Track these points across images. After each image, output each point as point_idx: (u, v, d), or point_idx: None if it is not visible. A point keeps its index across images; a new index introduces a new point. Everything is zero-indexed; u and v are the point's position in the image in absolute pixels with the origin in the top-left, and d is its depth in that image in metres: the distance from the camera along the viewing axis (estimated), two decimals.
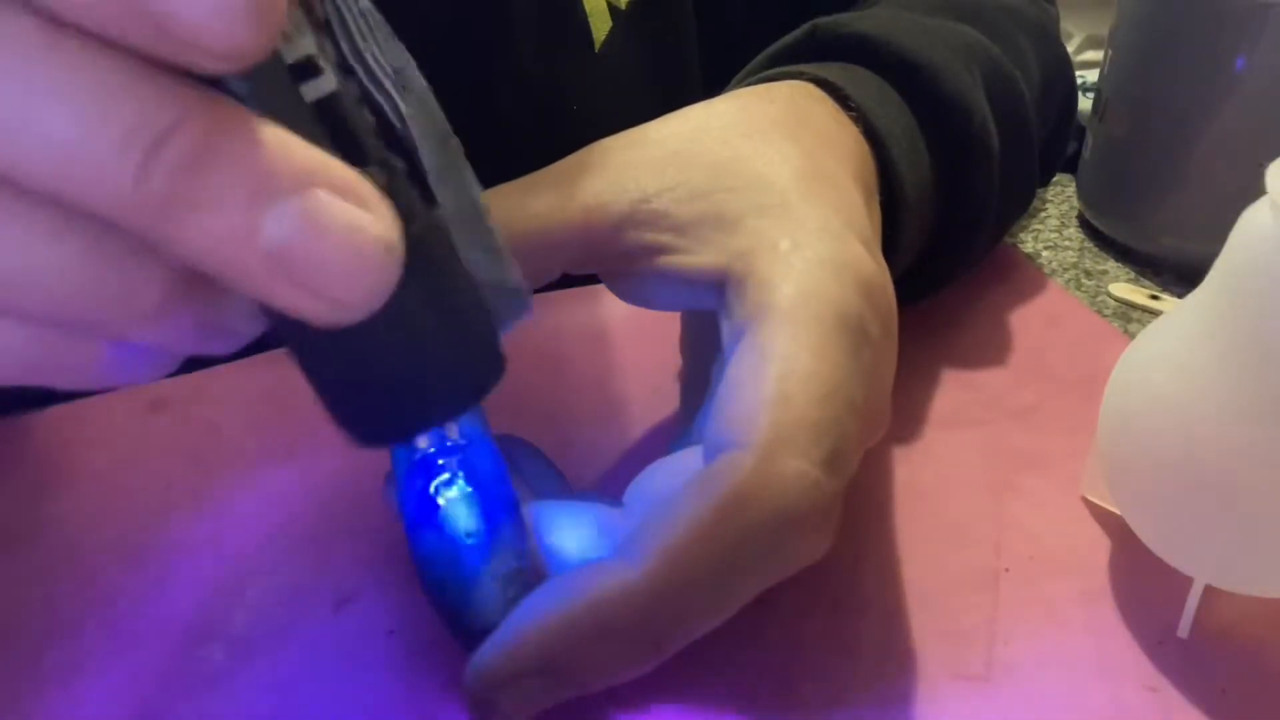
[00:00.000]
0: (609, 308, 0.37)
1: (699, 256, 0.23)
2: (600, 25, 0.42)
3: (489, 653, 0.19)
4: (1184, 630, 0.24)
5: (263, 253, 0.13)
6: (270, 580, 0.26)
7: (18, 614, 0.26)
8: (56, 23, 0.12)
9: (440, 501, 0.21)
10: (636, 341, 0.36)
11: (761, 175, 0.24)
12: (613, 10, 0.42)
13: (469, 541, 0.20)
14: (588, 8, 0.41)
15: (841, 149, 0.27)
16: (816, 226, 0.22)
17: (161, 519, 0.28)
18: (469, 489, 0.21)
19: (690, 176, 0.24)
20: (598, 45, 0.42)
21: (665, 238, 0.24)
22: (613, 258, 0.25)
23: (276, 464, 0.31)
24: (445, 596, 0.20)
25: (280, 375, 0.35)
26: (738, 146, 0.24)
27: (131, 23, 0.12)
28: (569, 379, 0.34)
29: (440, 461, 0.21)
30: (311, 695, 0.23)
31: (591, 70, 0.42)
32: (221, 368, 0.35)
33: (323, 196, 0.13)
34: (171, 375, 0.35)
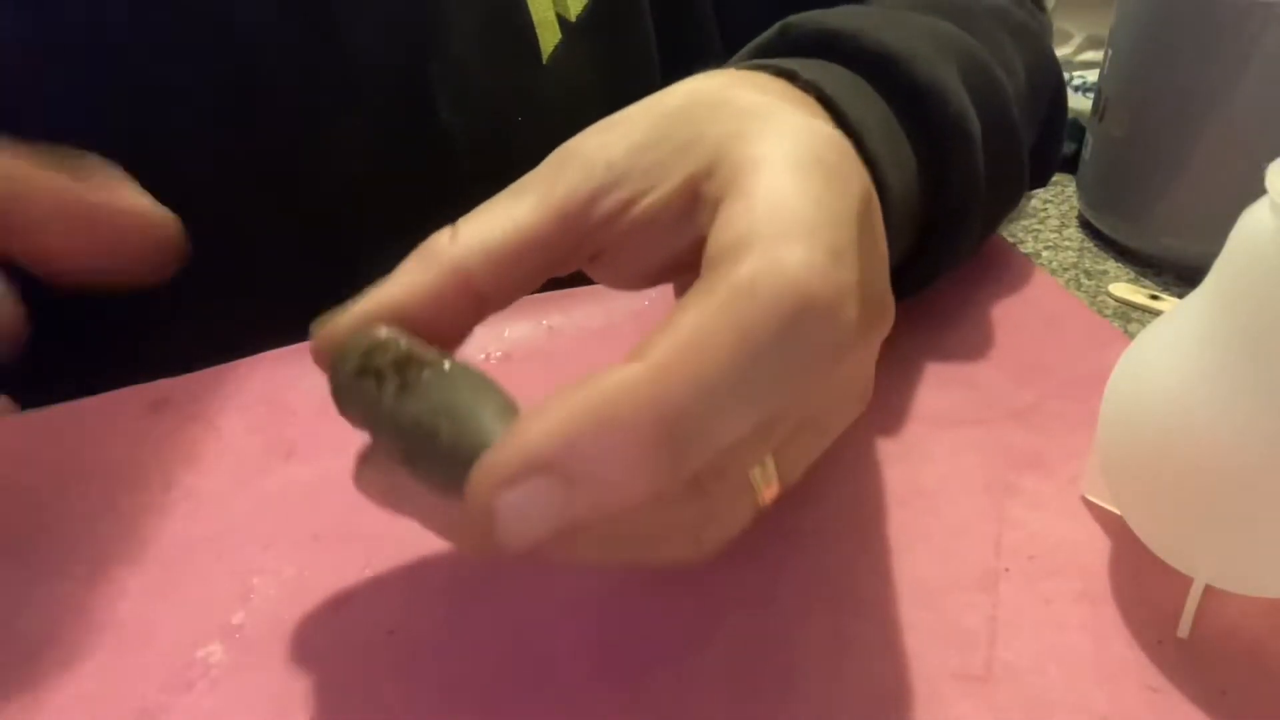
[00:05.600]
0: (609, 308, 0.37)
1: (665, 185, 0.23)
2: (549, 37, 0.42)
3: (492, 453, 0.17)
4: (1184, 630, 0.24)
5: None
6: (270, 580, 0.26)
7: (18, 614, 0.26)
8: None
9: (423, 376, 0.20)
10: (636, 342, 0.35)
11: (721, 103, 0.23)
12: (562, 22, 0.42)
13: (463, 387, 0.20)
14: (535, 19, 0.41)
15: None
16: (779, 119, 0.22)
17: (161, 519, 0.29)
18: (448, 364, 0.20)
19: (647, 131, 0.23)
20: (545, 57, 0.42)
21: (632, 188, 0.23)
22: (591, 238, 0.24)
23: (276, 464, 0.31)
24: (442, 439, 0.19)
25: (280, 375, 0.35)
26: (698, 98, 0.24)
27: None
28: (569, 379, 0.34)
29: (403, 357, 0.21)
30: (311, 695, 0.23)
31: (539, 82, 0.41)
32: (221, 368, 0.35)
33: None
34: (172, 375, 0.35)
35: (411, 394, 0.20)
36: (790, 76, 0.28)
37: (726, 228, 0.20)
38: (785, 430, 0.21)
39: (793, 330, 0.18)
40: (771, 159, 0.21)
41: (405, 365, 0.21)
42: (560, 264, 0.25)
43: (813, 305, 0.18)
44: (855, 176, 0.22)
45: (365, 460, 0.22)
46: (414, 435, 0.20)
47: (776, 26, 0.33)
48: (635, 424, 0.17)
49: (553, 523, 0.17)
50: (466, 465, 0.18)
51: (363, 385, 0.21)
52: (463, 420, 0.19)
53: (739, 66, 0.30)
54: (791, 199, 0.19)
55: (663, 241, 0.24)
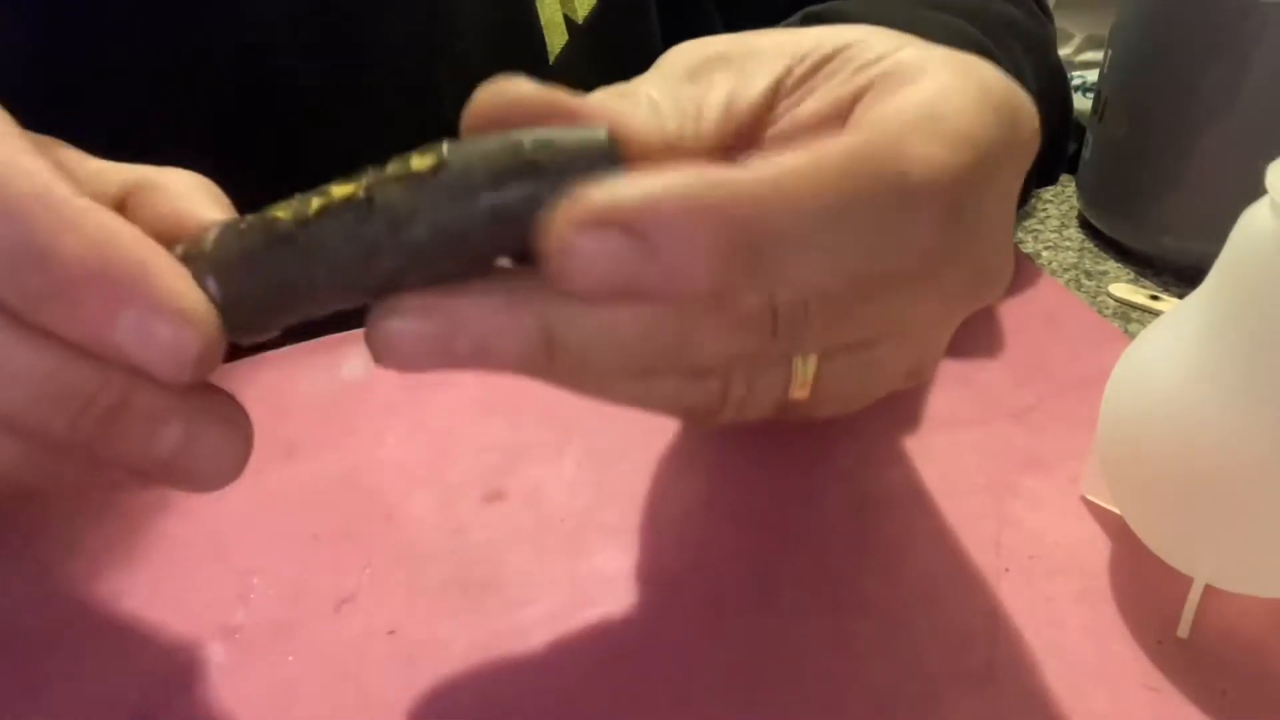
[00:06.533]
0: None
1: (831, 90, 0.22)
2: (556, 38, 0.42)
3: (590, 193, 0.17)
4: (1184, 630, 0.24)
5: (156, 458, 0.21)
6: (270, 580, 0.26)
7: (17, 614, 0.26)
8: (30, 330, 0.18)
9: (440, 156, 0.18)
10: None
11: (857, 39, 0.23)
12: (569, 24, 0.42)
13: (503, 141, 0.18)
14: (543, 20, 0.41)
15: None
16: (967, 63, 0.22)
17: (161, 519, 0.28)
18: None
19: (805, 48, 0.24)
20: (552, 58, 0.42)
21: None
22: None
23: (276, 463, 0.31)
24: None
25: (280, 375, 0.35)
26: (835, 42, 0.24)
27: (103, 350, 0.19)
28: None
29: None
30: (311, 695, 0.23)
31: (544, 82, 0.42)
32: (221, 367, 0.35)
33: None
34: None
35: (433, 181, 0.18)
36: None
37: (874, 105, 0.20)
38: (847, 334, 0.21)
39: (895, 213, 0.18)
40: (946, 68, 0.20)
41: (367, 188, 0.18)
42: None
43: (919, 200, 0.18)
44: (1029, 123, 0.22)
45: (393, 314, 0.19)
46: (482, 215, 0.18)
47: (798, 16, 0.34)
48: (721, 217, 0.17)
49: (619, 283, 0.17)
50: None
51: (311, 234, 0.19)
52: (562, 144, 0.18)
53: None
54: (949, 100, 0.19)
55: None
